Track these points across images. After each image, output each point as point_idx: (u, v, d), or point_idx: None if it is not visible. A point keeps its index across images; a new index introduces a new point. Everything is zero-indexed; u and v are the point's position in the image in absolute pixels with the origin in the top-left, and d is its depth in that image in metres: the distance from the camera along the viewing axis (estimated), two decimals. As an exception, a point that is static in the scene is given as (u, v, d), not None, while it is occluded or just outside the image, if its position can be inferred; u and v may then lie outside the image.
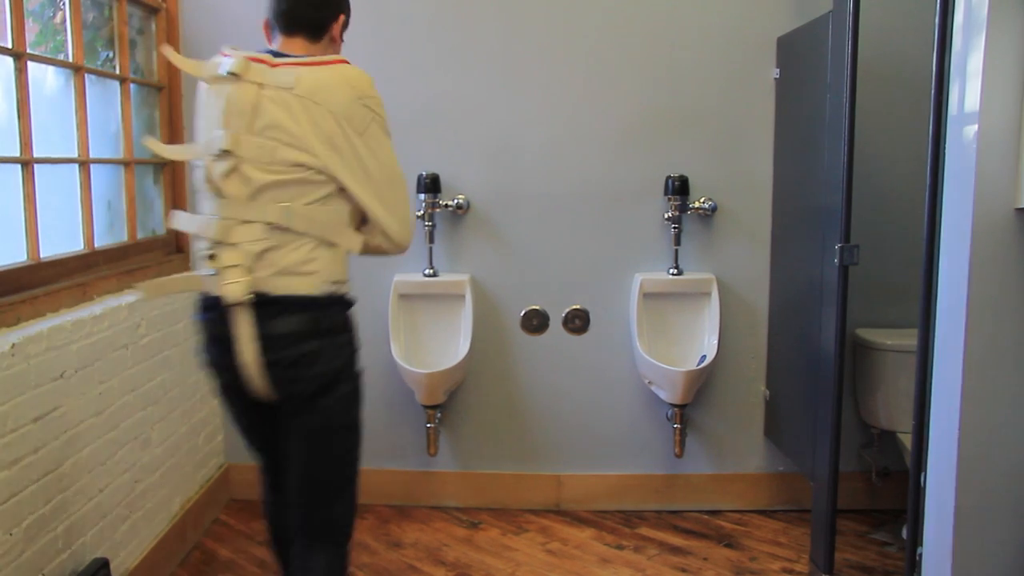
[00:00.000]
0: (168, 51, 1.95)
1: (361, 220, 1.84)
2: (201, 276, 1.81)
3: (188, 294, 2.95)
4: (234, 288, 1.72)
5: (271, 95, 1.71)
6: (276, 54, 1.79)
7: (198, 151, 1.79)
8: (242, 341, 1.74)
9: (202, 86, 1.81)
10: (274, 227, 1.73)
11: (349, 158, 1.74)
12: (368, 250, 1.86)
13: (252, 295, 1.72)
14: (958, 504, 1.94)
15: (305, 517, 1.89)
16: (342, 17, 1.91)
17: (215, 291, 1.75)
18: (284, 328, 1.75)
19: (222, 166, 1.72)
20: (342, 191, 1.77)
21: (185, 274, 2.02)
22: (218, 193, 1.75)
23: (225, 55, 1.76)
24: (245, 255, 1.73)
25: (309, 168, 1.72)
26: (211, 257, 1.75)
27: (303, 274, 1.75)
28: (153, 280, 1.91)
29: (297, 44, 1.84)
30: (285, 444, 1.88)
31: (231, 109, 1.72)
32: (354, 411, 1.89)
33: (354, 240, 1.81)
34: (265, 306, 1.74)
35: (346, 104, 1.72)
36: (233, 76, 1.71)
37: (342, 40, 1.95)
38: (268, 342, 1.74)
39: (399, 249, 1.87)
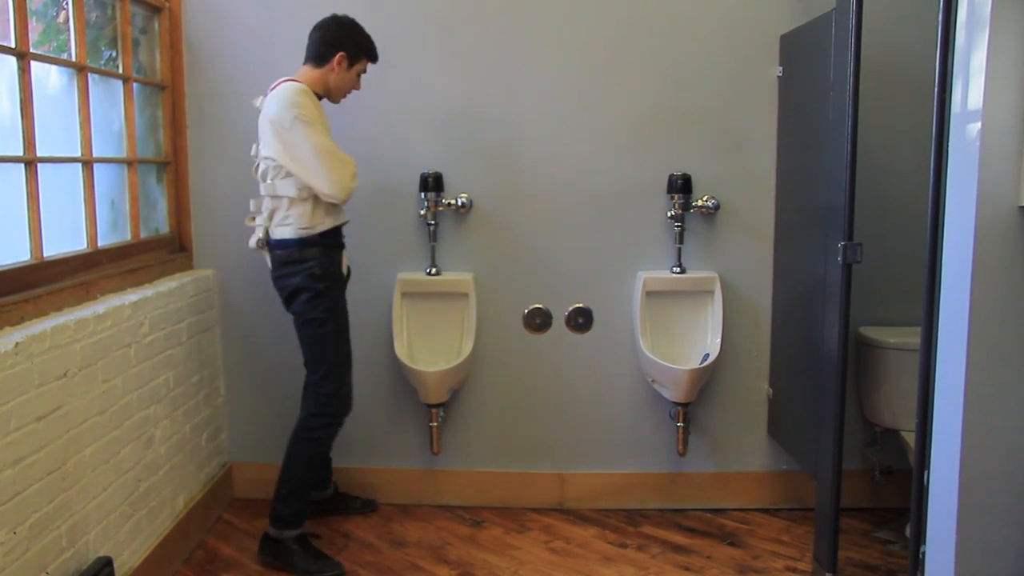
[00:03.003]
0: None
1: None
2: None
3: (193, 293, 2.96)
4: (256, 237, 2.77)
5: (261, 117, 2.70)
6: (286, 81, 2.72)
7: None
8: None
9: None
10: (272, 196, 2.70)
11: (284, 147, 2.60)
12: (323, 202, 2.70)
13: (262, 240, 2.76)
14: (961, 502, 1.93)
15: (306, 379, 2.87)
16: (341, 55, 2.71)
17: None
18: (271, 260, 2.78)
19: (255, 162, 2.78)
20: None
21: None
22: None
23: None
24: (263, 217, 2.75)
25: (268, 157, 2.66)
26: (252, 219, 2.82)
27: (283, 224, 2.70)
28: None
29: (303, 69, 2.76)
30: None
31: None
32: (315, 313, 2.72)
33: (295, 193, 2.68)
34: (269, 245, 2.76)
35: (276, 111, 2.60)
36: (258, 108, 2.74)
37: (351, 71, 2.77)
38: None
39: (333, 198, 2.64)
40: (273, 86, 2.70)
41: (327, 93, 2.78)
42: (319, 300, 2.72)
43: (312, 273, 2.69)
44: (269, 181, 2.68)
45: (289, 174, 2.64)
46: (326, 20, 2.76)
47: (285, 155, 2.60)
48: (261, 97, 2.73)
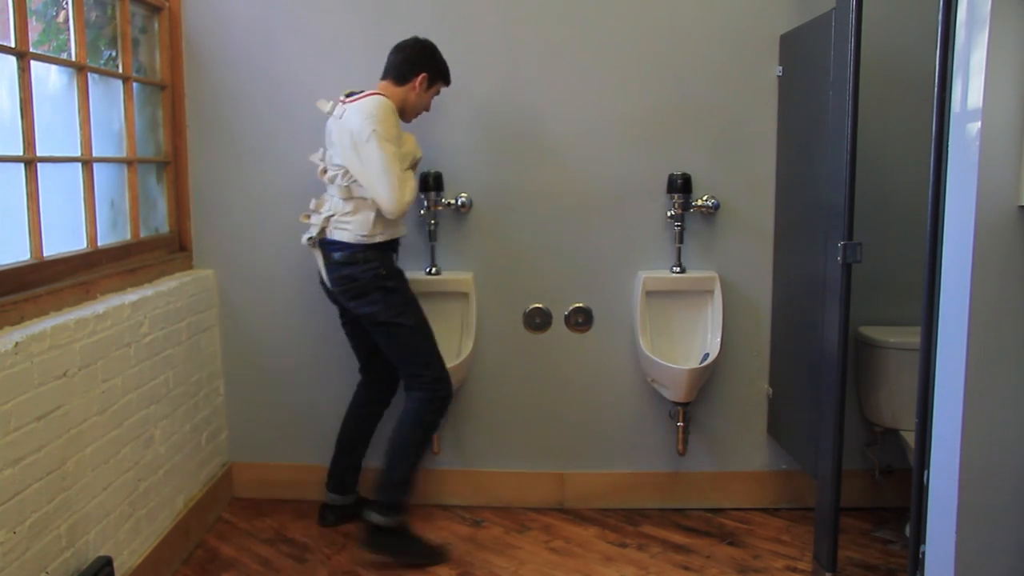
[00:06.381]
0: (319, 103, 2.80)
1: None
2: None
3: (192, 293, 2.95)
4: (307, 236, 2.84)
5: (336, 125, 2.74)
6: (353, 93, 2.80)
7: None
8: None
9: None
10: (345, 199, 2.75)
11: (358, 159, 2.66)
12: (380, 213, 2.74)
13: (314, 239, 2.81)
14: (961, 502, 1.93)
15: (401, 374, 2.91)
16: (423, 75, 2.80)
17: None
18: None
19: (318, 165, 2.87)
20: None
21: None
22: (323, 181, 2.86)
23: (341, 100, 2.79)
24: (320, 217, 2.80)
25: (339, 165, 2.74)
26: (307, 216, 2.86)
27: (341, 228, 2.76)
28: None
29: (383, 85, 2.82)
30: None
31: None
32: (391, 313, 2.77)
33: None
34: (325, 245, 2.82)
35: (359, 124, 2.65)
36: (329, 113, 2.78)
37: (428, 92, 2.85)
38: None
39: (389, 213, 2.69)
40: (357, 96, 2.75)
41: (402, 111, 2.83)
42: (392, 296, 2.77)
43: (378, 273, 2.75)
44: (341, 183, 2.74)
45: (356, 183, 2.72)
46: (408, 42, 2.83)
47: (358, 166, 2.67)
48: (330, 102, 2.77)
